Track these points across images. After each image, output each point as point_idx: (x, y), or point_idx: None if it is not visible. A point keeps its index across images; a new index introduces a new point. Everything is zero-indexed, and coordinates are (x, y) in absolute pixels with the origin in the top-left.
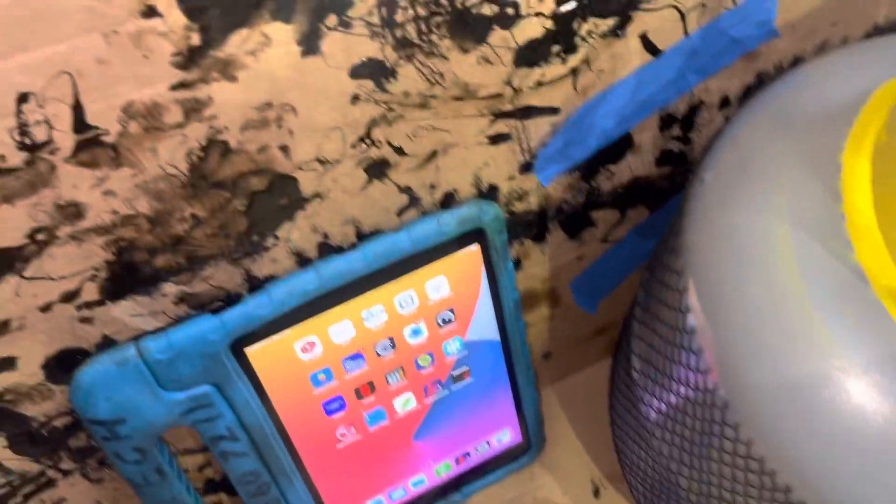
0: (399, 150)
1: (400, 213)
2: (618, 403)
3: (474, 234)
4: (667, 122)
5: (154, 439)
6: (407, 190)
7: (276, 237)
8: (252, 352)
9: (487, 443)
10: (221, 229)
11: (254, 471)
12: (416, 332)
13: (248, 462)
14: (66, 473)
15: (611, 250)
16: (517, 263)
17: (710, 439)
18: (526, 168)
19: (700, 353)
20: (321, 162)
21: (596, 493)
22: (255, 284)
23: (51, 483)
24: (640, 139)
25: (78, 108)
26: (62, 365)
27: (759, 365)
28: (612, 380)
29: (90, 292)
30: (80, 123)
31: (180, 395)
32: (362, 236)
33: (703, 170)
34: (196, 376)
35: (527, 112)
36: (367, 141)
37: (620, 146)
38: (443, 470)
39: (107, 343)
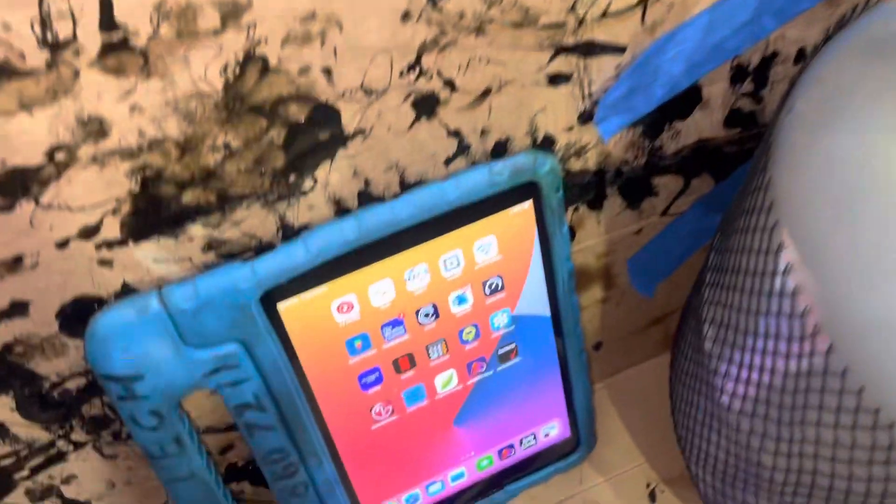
0: (450, 85)
1: (448, 161)
2: (682, 387)
3: (528, 190)
4: (738, 74)
5: (174, 403)
6: (456, 134)
7: (315, 179)
8: (285, 308)
9: (534, 436)
10: (256, 164)
11: (281, 448)
12: (461, 300)
13: (276, 437)
14: (77, 446)
15: (672, 224)
16: (571, 234)
17: (807, 397)
18: (586, 118)
19: (796, 294)
20: (366, 92)
21: (652, 496)
22: (290, 234)
23: (61, 456)
24: (710, 93)
25: (107, 1)
26: (78, 315)
27: (874, 298)
28: (673, 365)
29: (111, 228)
30: (107, 20)
31: (205, 352)
32: (406, 187)
33: (793, 100)
34: (223, 332)
35: (590, 48)
36: (417, 69)
37: (688, 100)
38: (485, 464)
39: (127, 293)
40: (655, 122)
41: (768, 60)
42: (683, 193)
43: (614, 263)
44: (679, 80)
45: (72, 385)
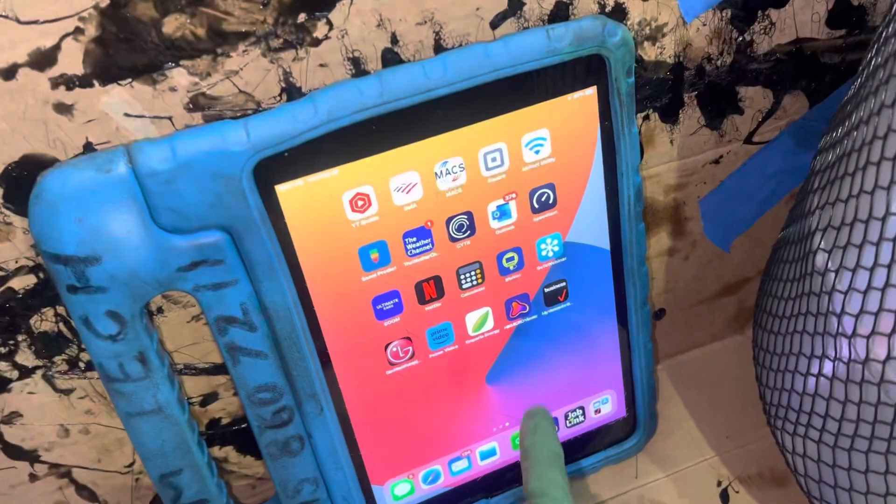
0: None
1: (495, 24)
2: (778, 342)
3: (592, 67)
4: None
5: (139, 304)
6: None
7: (330, 23)
8: (284, 191)
9: (582, 409)
10: None
11: (272, 384)
12: (503, 213)
13: (266, 368)
14: (23, 372)
15: (755, 157)
16: (643, 148)
17: None
18: None
19: None
20: None
21: (724, 496)
22: (296, 98)
23: (2, 384)
24: None
25: None
26: (28, 182)
27: None
28: (759, 326)
29: (72, 59)
30: None
31: (181, 239)
32: (442, 51)
33: None
34: (204, 212)
35: None
36: None
37: None
38: None
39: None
40: (747, 7)
41: None
42: (773, 115)
43: (686, 202)
44: None
45: (17, 284)
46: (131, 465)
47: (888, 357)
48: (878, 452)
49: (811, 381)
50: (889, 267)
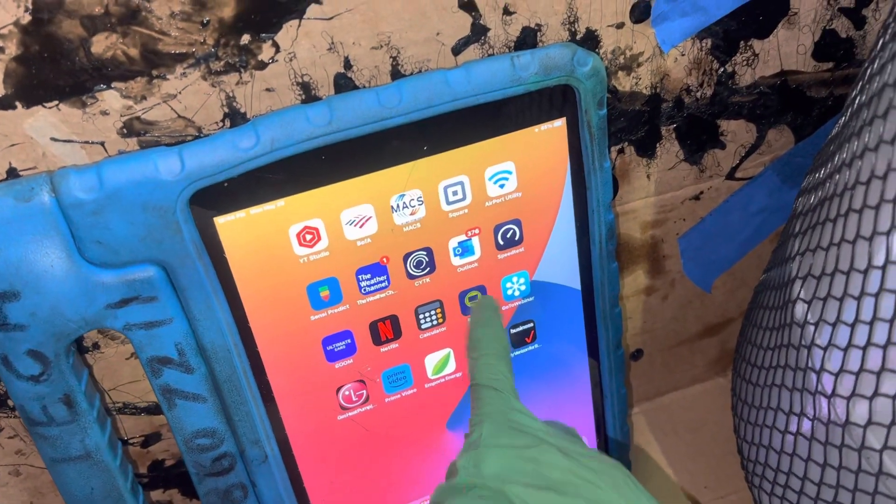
0: None
1: (457, 49)
2: (755, 394)
3: (561, 98)
4: None
5: (64, 343)
6: (470, 7)
7: (276, 45)
8: (224, 223)
9: None
10: (197, 9)
11: (211, 429)
12: (465, 249)
13: (205, 413)
14: None
15: (738, 194)
16: (617, 183)
17: None
18: (641, 14)
19: None
20: None
21: None
22: (240, 124)
23: None
24: (800, 2)
25: None
26: None
27: None
28: (738, 374)
29: None
30: None
31: (110, 273)
32: (400, 77)
33: None
34: (135, 244)
35: None
36: None
37: (773, 9)
38: None
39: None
40: (729, 36)
41: None
42: (756, 150)
43: (665, 240)
44: None
45: None
46: None
47: (869, 421)
48: None
49: (789, 439)
50: (871, 324)
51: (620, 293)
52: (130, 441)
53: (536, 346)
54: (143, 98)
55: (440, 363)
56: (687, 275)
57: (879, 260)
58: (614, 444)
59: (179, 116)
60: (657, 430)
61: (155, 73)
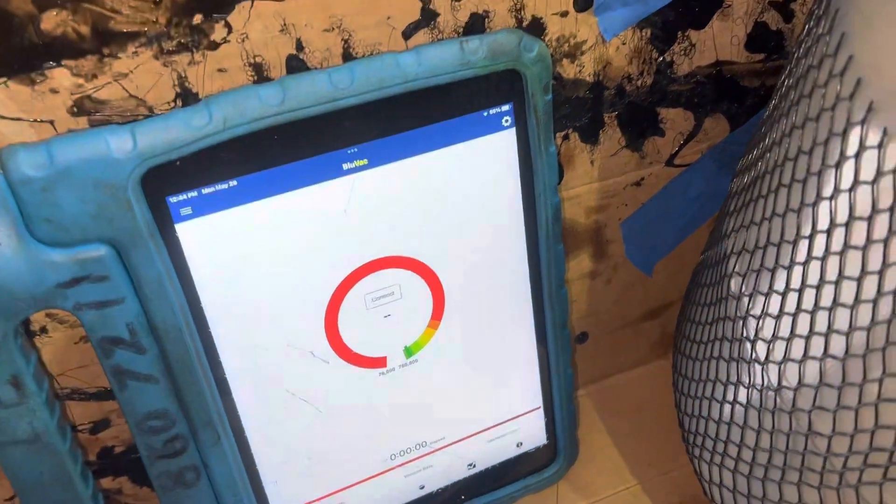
0: None
1: (408, 34)
2: (695, 368)
3: (508, 84)
4: None
5: (12, 324)
6: None
7: (229, 26)
8: (176, 202)
9: (501, 435)
10: None
11: (163, 410)
12: None
13: (156, 394)
14: None
15: (676, 180)
16: (559, 171)
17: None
18: (584, 3)
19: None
20: None
21: None
22: (192, 104)
23: None
24: None
25: None
26: None
27: None
28: (678, 351)
29: None
30: None
31: (60, 252)
32: (351, 59)
33: None
34: (87, 223)
35: None
36: None
37: (708, 3)
38: None
39: None
40: (667, 27)
41: None
42: (694, 138)
43: (607, 225)
44: None
45: None
46: (12, 498)
47: (800, 384)
48: (790, 483)
49: (727, 408)
50: (800, 291)
51: (566, 277)
52: (79, 428)
53: (487, 324)
54: (94, 76)
55: None
56: (629, 259)
57: (807, 230)
58: (562, 423)
59: (131, 96)
60: (603, 411)
61: (106, 51)
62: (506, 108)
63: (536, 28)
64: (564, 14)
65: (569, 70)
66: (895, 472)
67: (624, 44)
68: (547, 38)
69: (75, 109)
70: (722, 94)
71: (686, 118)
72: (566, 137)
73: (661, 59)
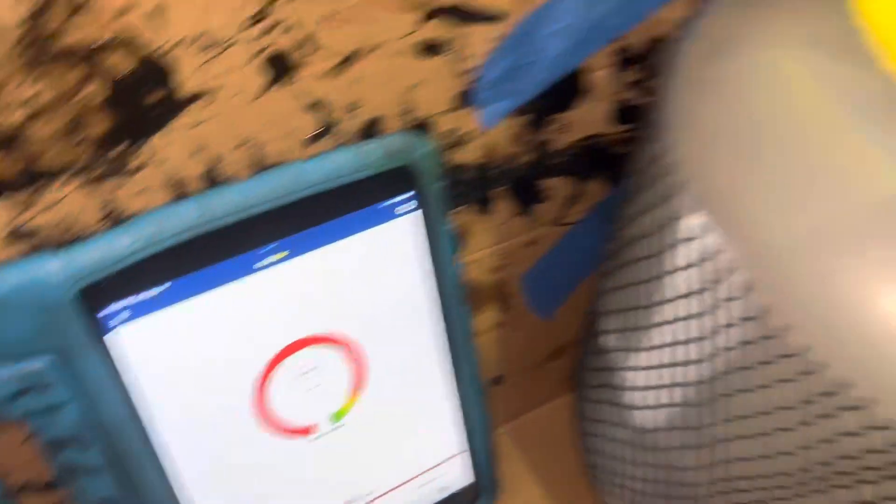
0: (309, 43)
1: (311, 142)
2: (590, 419)
3: (404, 178)
4: (623, 59)
5: None
6: (318, 106)
7: (147, 153)
8: (111, 313)
9: (426, 480)
10: (73, 128)
11: (113, 498)
12: None
13: (103, 485)
14: None
15: (567, 236)
16: (461, 240)
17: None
18: (466, 99)
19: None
20: (204, 47)
21: None
22: (119, 224)
23: None
24: (593, 80)
25: None
26: None
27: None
28: (579, 393)
29: None
30: None
31: (5, 370)
32: (262, 169)
33: (680, 42)
34: (30, 341)
35: (466, 13)
36: (268, 20)
37: (570, 87)
38: None
39: None
40: (539, 112)
41: (655, 44)
42: (578, 200)
43: (509, 280)
44: (563, 60)
45: None
46: None
47: (658, 428)
48: None
49: (615, 445)
50: (660, 348)
51: (477, 329)
52: None
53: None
54: (27, 207)
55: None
56: (531, 307)
57: (659, 298)
58: (484, 464)
59: (62, 221)
60: (522, 445)
61: (38, 184)
62: (408, 195)
63: (427, 126)
64: (451, 111)
65: (460, 156)
66: (741, 497)
67: (506, 130)
68: (438, 133)
69: (10, 238)
70: (597, 161)
71: (567, 184)
72: (463, 212)
73: (539, 139)
